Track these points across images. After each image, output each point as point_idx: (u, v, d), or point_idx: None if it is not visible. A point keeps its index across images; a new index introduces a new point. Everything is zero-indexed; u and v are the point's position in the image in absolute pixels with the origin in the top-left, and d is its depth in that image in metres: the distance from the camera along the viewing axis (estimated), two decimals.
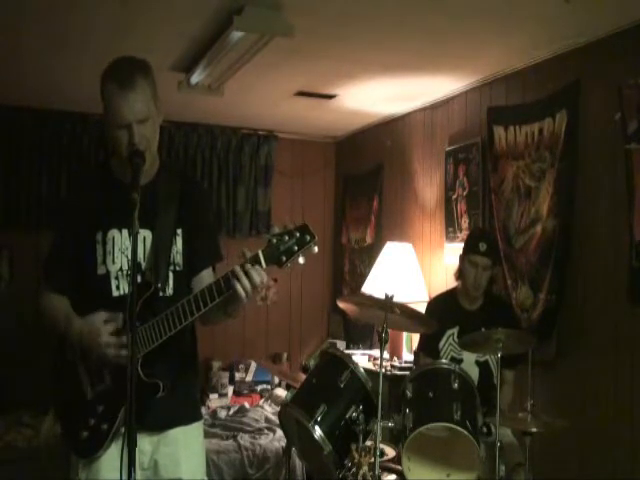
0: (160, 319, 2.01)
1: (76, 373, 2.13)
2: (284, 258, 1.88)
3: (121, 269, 2.12)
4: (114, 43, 3.63)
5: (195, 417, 2.27)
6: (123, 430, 1.91)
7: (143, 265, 2.09)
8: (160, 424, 2.14)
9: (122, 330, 2.01)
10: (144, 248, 2.12)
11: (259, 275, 1.90)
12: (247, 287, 1.90)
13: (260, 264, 1.90)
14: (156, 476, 2.16)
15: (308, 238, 1.89)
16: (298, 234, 1.88)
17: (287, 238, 1.88)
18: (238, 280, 1.89)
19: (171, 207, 2.15)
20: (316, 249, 1.91)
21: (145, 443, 2.11)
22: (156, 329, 2.01)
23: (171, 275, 2.16)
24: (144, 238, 2.12)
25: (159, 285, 2.08)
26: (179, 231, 2.18)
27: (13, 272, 5.30)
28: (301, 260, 1.90)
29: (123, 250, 2.12)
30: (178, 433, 2.18)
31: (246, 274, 1.89)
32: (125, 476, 1.74)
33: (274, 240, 1.89)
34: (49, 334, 2.19)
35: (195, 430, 2.25)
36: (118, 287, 2.13)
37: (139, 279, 2.03)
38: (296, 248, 1.88)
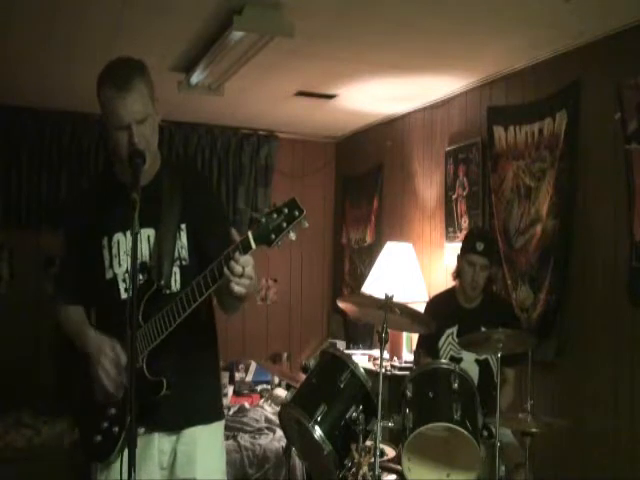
0: (160, 315, 2.00)
1: (87, 377, 2.12)
2: (273, 236, 1.83)
3: (127, 271, 2.12)
4: (114, 43, 3.64)
5: (215, 416, 2.24)
6: (139, 430, 1.91)
7: (149, 263, 2.09)
8: (178, 423, 2.13)
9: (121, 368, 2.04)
10: (149, 246, 2.12)
11: (245, 263, 1.85)
12: (241, 281, 1.86)
13: (250, 245, 1.84)
14: (172, 475, 2.14)
15: (297, 213, 1.83)
16: (287, 210, 1.83)
17: (276, 216, 1.83)
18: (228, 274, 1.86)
19: (174, 203, 2.15)
20: (306, 224, 1.84)
21: (164, 443, 2.11)
22: (157, 326, 2.01)
23: (177, 270, 2.14)
24: (148, 237, 2.12)
25: (162, 283, 2.08)
26: (183, 226, 2.16)
27: (13, 272, 5.30)
28: (292, 236, 1.84)
29: (128, 252, 2.12)
30: (196, 432, 2.16)
31: (229, 268, 1.85)
32: (125, 476, 1.74)
33: (263, 219, 1.84)
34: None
35: (214, 429, 2.23)
36: (126, 289, 2.13)
37: (145, 278, 2.04)
38: (285, 225, 1.82)
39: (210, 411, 2.23)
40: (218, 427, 2.25)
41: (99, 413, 2.10)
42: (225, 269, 1.85)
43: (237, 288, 1.87)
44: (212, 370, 2.31)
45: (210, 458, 2.20)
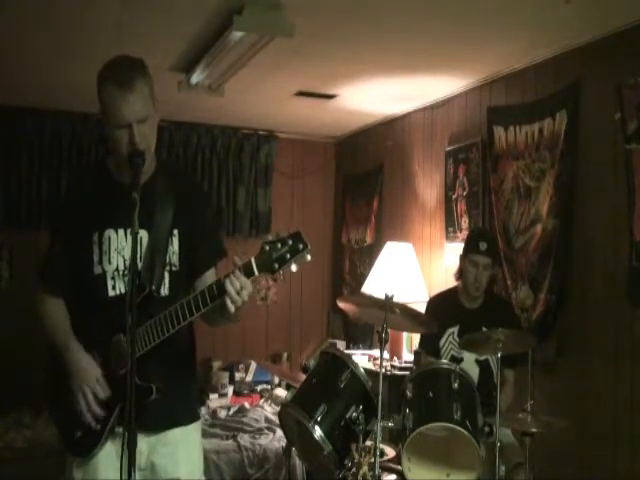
0: (153, 323, 2.01)
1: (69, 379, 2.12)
2: (276, 266, 1.89)
3: (117, 269, 2.12)
4: (114, 43, 3.63)
5: (193, 417, 2.27)
6: (120, 430, 1.91)
7: (139, 265, 2.09)
8: (158, 425, 2.14)
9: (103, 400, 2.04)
10: (140, 248, 2.11)
11: (245, 288, 1.90)
12: (236, 299, 1.90)
13: (252, 272, 1.90)
14: (154, 476, 2.14)
15: (301, 246, 1.89)
16: (291, 242, 1.88)
17: (280, 246, 1.88)
18: (227, 293, 1.90)
19: (168, 207, 2.14)
20: (309, 257, 1.90)
21: (142, 444, 2.08)
22: (149, 333, 2.01)
23: (167, 275, 2.15)
24: (140, 238, 2.10)
25: (153, 287, 2.08)
26: (175, 232, 2.16)
27: (13, 272, 5.31)
28: (294, 268, 1.90)
29: (119, 250, 2.12)
30: (177, 433, 2.17)
31: (234, 288, 1.89)
32: (125, 476, 1.74)
33: (267, 248, 1.89)
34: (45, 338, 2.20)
35: (193, 430, 2.25)
36: (114, 287, 2.13)
37: (136, 280, 2.03)
38: (288, 256, 1.88)
39: (189, 413, 2.25)
40: (196, 428, 2.27)
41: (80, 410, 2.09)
42: (227, 283, 1.88)
43: (230, 305, 1.91)
44: (191, 373, 2.33)
45: (192, 458, 2.23)
